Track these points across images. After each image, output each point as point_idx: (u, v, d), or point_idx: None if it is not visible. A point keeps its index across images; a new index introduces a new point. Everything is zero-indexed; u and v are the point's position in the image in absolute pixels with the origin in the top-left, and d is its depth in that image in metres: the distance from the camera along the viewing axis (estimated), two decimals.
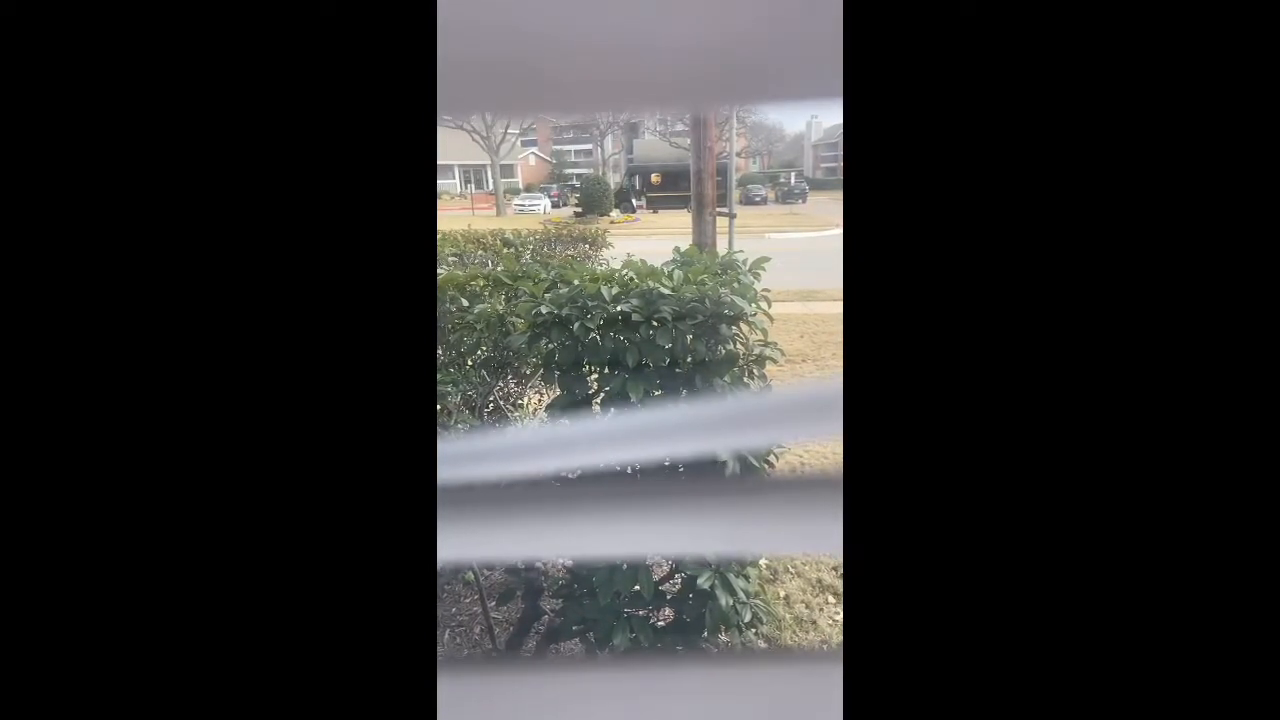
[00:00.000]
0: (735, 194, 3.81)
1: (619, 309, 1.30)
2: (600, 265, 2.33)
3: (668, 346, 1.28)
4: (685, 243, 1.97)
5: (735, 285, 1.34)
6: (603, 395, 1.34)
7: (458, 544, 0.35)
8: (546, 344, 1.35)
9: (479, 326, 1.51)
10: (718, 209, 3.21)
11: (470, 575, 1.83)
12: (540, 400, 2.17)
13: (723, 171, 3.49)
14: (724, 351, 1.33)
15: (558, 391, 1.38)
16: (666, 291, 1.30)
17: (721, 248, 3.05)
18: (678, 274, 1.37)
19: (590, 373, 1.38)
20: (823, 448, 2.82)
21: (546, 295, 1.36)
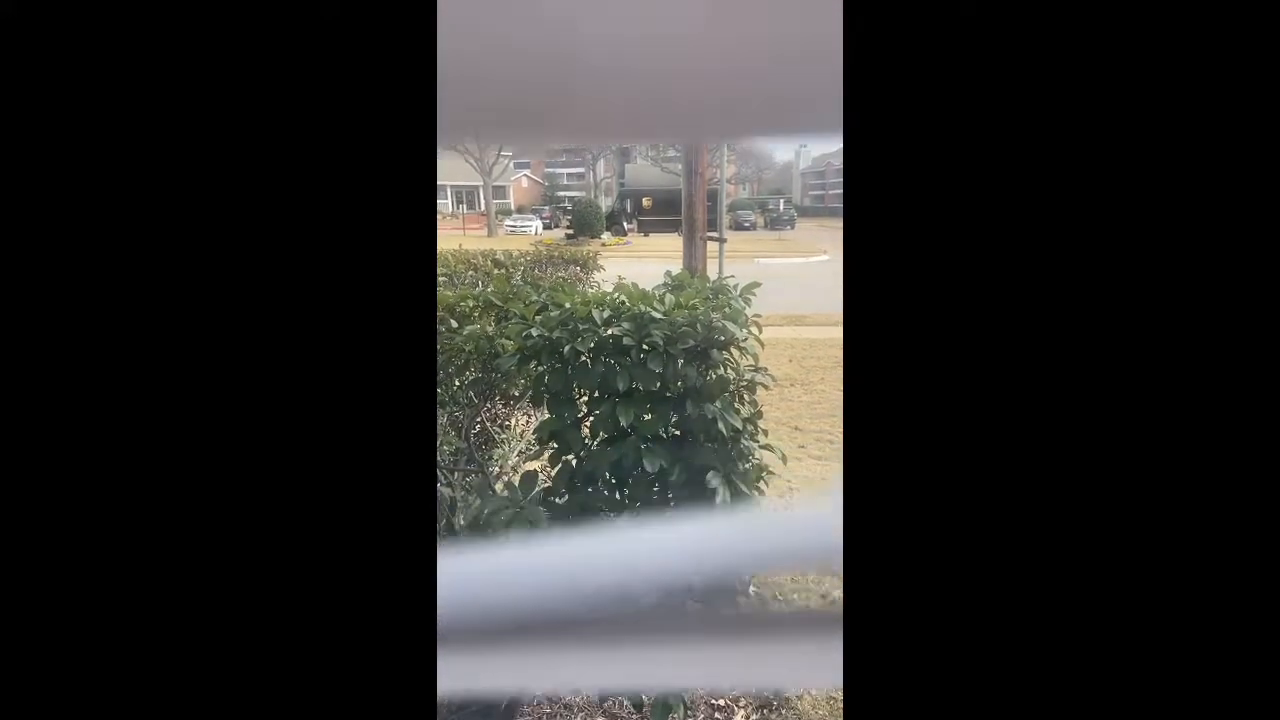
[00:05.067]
0: (725, 219, 3.86)
1: (610, 333, 1.29)
2: (591, 288, 2.33)
3: (659, 371, 1.27)
4: (676, 266, 1.98)
5: (726, 310, 1.34)
6: (592, 419, 1.33)
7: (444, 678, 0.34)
8: (536, 367, 1.34)
9: (468, 349, 1.49)
10: (708, 233, 3.24)
11: None
12: (528, 422, 2.15)
13: (713, 197, 3.53)
14: (715, 376, 1.33)
15: (546, 415, 1.37)
16: (658, 315, 1.30)
17: (712, 272, 3.07)
18: (669, 298, 1.37)
19: (580, 396, 1.37)
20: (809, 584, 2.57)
21: (537, 318, 1.35)
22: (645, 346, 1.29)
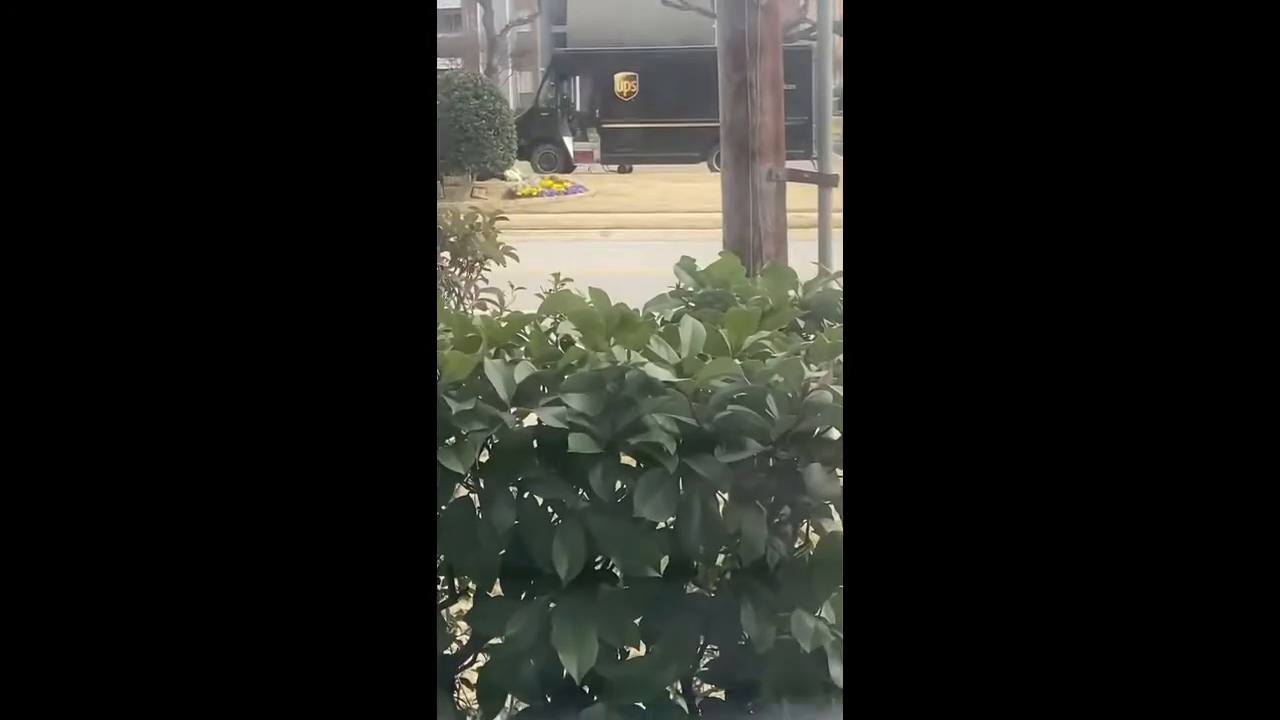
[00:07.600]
0: (831, 127, 3.94)
1: (535, 421, 1.33)
2: (483, 307, 2.32)
3: (664, 525, 1.31)
4: (708, 249, 2.01)
5: (839, 361, 1.36)
6: (492, 655, 1.34)
7: None
8: None
9: None
10: (787, 165, 3.27)
11: None
12: None
13: (797, 70, 3.63)
14: (823, 537, 1.37)
15: None
16: (662, 374, 1.33)
17: (800, 260, 3.12)
18: (691, 326, 1.42)
19: (462, 586, 1.41)
20: None
21: None
22: (631, 455, 1.33)
